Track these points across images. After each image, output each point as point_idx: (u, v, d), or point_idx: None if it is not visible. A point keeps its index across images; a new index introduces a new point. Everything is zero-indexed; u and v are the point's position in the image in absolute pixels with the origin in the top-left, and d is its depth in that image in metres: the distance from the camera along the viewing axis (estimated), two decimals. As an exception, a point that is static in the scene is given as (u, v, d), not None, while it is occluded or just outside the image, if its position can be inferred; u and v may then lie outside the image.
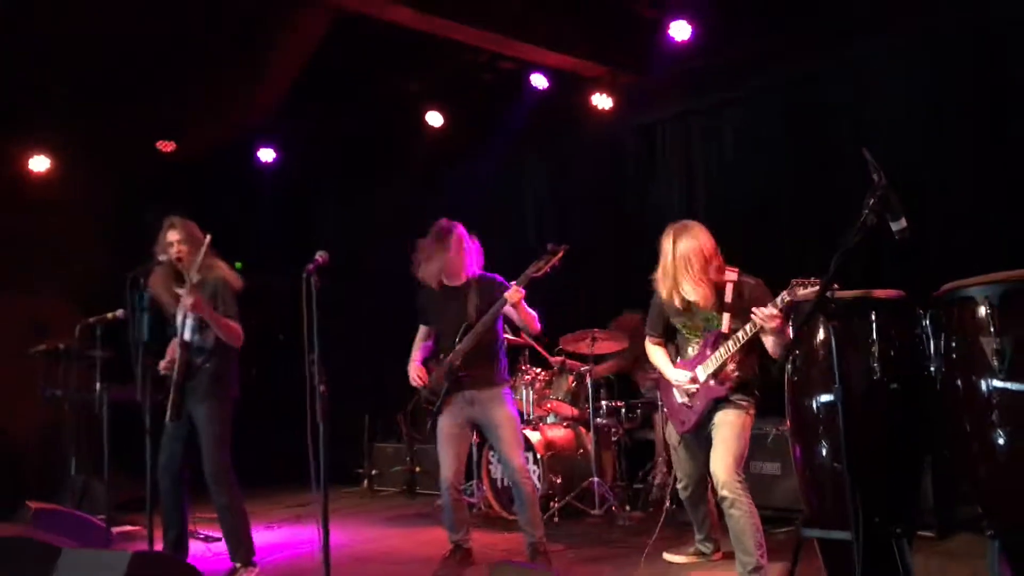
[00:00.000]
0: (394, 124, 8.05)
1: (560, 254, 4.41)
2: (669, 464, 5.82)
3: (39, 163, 7.63)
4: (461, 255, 4.51)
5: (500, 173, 8.20)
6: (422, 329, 4.78)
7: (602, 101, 6.93)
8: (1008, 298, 2.07)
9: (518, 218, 8.09)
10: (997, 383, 2.06)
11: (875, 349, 2.32)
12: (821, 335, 2.38)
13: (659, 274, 4.02)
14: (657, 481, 5.93)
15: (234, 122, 7.54)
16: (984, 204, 5.25)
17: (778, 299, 3.49)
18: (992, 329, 2.07)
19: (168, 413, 4.38)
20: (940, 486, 2.91)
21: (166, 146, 7.42)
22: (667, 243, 3.94)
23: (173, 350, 4.61)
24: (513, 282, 4.39)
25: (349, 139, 8.25)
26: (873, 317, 2.34)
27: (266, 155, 8.27)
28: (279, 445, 8.29)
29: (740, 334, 3.71)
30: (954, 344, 2.18)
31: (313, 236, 9.49)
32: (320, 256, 3.89)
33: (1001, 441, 2.07)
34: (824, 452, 2.38)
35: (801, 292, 3.39)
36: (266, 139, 8.17)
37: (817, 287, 3.32)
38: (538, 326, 4.57)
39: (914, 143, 5.58)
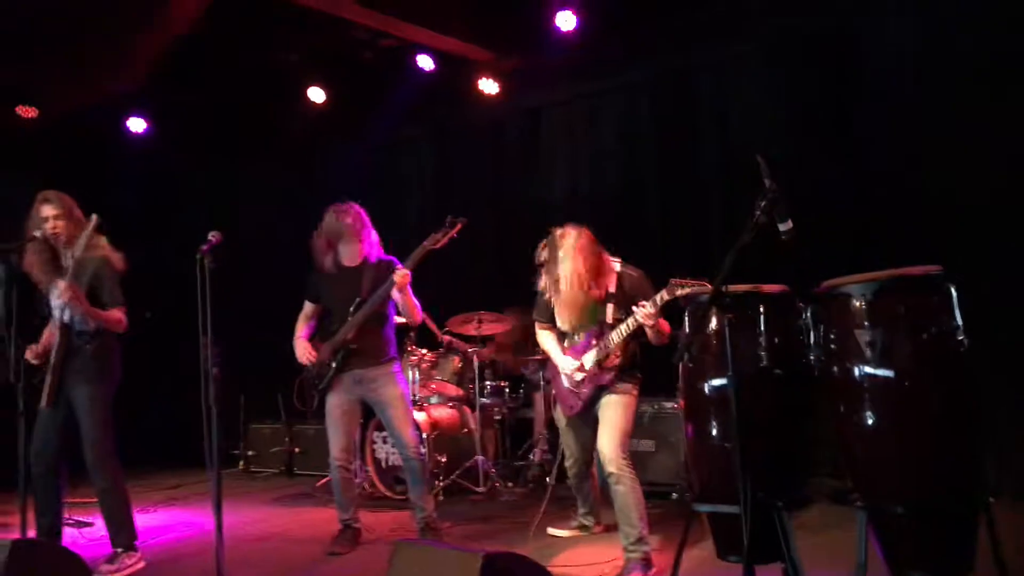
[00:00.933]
0: (273, 100, 7.85)
1: (458, 227, 4.46)
2: (549, 443, 6.06)
3: None
4: (361, 235, 4.52)
5: (381, 155, 8.18)
6: (307, 306, 4.75)
7: (488, 86, 7.02)
8: (880, 295, 2.31)
9: (398, 201, 8.09)
10: (868, 370, 2.30)
11: (762, 339, 2.53)
12: (714, 325, 2.57)
13: (546, 273, 4.13)
14: (537, 460, 6.14)
15: (100, 89, 7.17)
16: (844, 201, 5.68)
17: (657, 297, 3.73)
18: (866, 323, 2.31)
19: (44, 399, 4.20)
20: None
21: (27, 112, 6.98)
22: (558, 250, 4.00)
23: (48, 335, 4.42)
24: (400, 266, 4.42)
25: (224, 113, 7.98)
26: (761, 309, 2.55)
27: (136, 125, 7.89)
28: (147, 426, 8.10)
29: (623, 328, 3.92)
30: (832, 335, 2.41)
31: (181, 213, 9.18)
32: (213, 236, 3.83)
33: (870, 421, 2.32)
34: (715, 432, 2.58)
35: (679, 292, 3.63)
36: (136, 109, 7.79)
37: (692, 287, 3.55)
38: (419, 317, 4.65)
39: (777, 140, 5.97)
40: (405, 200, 8.07)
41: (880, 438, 2.30)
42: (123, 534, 4.31)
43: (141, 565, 4.30)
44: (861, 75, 5.75)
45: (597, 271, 3.96)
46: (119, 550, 4.27)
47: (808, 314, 2.51)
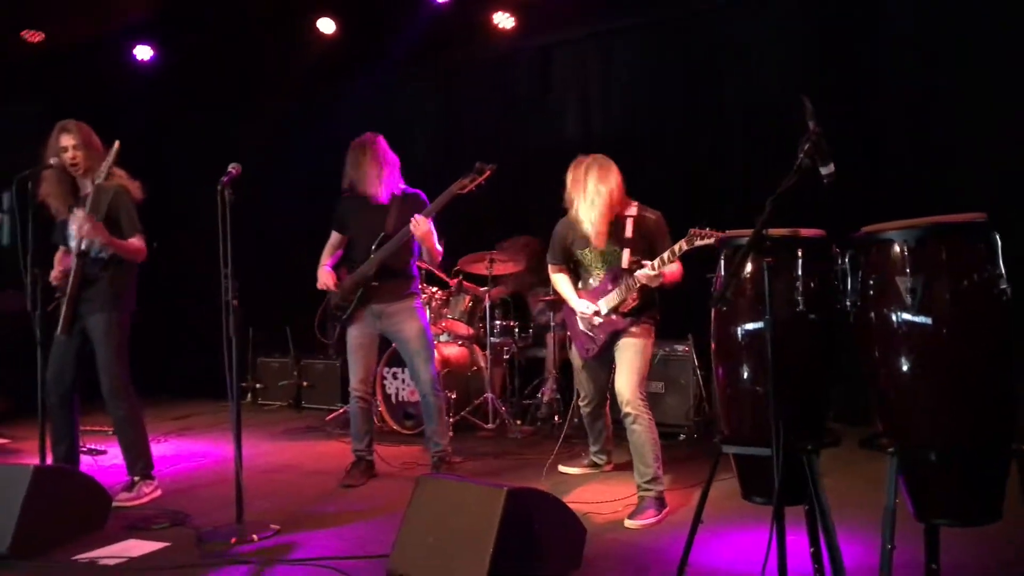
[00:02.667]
0: (282, 30, 7.68)
1: (487, 174, 4.41)
2: (558, 382, 6.10)
3: None
4: (382, 168, 4.48)
5: (391, 90, 8.04)
6: (334, 235, 4.73)
7: (504, 20, 6.87)
8: (923, 241, 2.29)
9: (407, 137, 7.99)
10: (907, 316, 2.29)
11: (799, 283, 2.51)
12: (750, 268, 2.55)
13: (570, 202, 4.10)
14: (546, 399, 6.18)
15: (107, 15, 7.02)
16: (865, 144, 5.64)
17: (676, 247, 3.74)
18: (907, 269, 2.29)
19: (60, 326, 4.20)
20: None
21: (33, 36, 6.83)
22: (581, 176, 4.00)
23: (62, 260, 4.40)
24: (418, 215, 4.37)
25: (232, 42, 7.81)
26: (799, 254, 2.52)
27: (143, 53, 7.75)
28: (160, 358, 8.13)
29: (633, 281, 3.93)
30: (871, 281, 2.39)
31: (186, 143, 9.08)
32: (233, 168, 3.80)
33: (905, 368, 2.31)
34: (746, 376, 2.58)
35: (698, 242, 3.64)
36: (144, 36, 7.63)
37: (711, 238, 3.55)
38: (439, 259, 4.61)
39: (798, 81, 5.88)
40: (414, 137, 7.96)
41: (915, 385, 2.30)
42: (140, 463, 4.35)
43: (158, 493, 4.35)
44: (883, 11, 5.64)
45: (621, 204, 3.99)
46: (136, 478, 4.31)
47: (845, 259, 2.48)
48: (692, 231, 3.67)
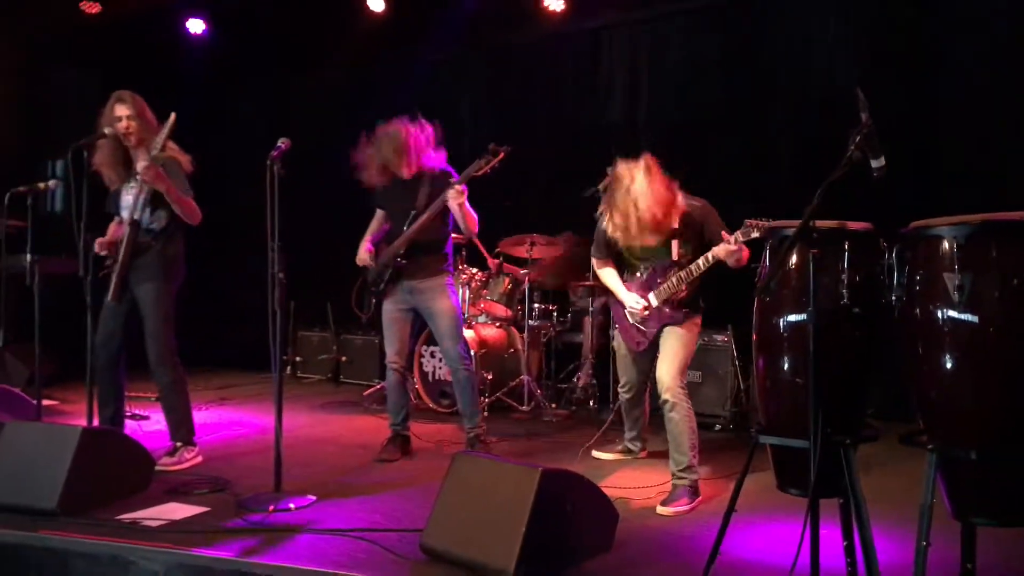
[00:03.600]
0: (334, 7, 7.73)
1: (501, 156, 4.41)
2: (594, 368, 6.11)
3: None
4: (408, 149, 4.52)
5: (438, 69, 8.07)
6: (378, 212, 4.84)
7: (554, 2, 6.85)
8: (972, 238, 2.26)
9: (453, 118, 8.01)
10: (952, 313, 2.26)
11: (844, 276, 2.49)
12: (795, 260, 2.54)
13: (609, 207, 3.93)
14: (581, 383, 6.20)
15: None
16: (918, 137, 5.55)
17: (732, 238, 3.64)
18: (955, 266, 2.27)
19: (110, 292, 4.31)
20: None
21: (91, 7, 6.96)
22: (628, 182, 3.80)
23: (113, 229, 4.50)
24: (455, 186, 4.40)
25: (284, 18, 7.89)
26: (846, 246, 2.51)
27: (195, 26, 7.85)
28: (205, 328, 8.27)
29: (694, 267, 3.86)
30: (918, 277, 2.37)
31: (236, 117, 9.19)
32: (283, 143, 3.85)
33: (949, 365, 2.29)
34: (786, 367, 2.57)
35: (754, 234, 3.55)
36: (196, 10, 7.74)
37: (766, 228, 3.46)
38: (476, 228, 4.61)
39: (850, 74, 5.79)
40: (459, 117, 7.99)
41: (958, 382, 2.28)
42: (183, 429, 4.45)
43: (199, 460, 4.45)
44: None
45: (668, 206, 3.81)
46: (179, 444, 4.42)
47: (892, 254, 2.46)
48: (748, 222, 3.55)
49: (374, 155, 4.61)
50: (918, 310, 2.36)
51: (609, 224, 3.94)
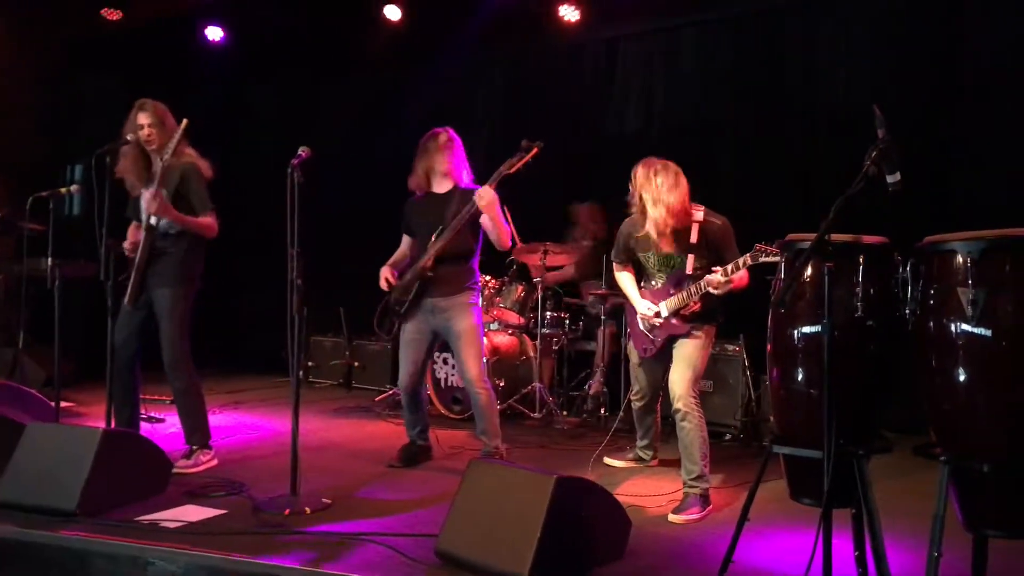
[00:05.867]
0: (349, 17, 7.80)
1: (535, 151, 4.36)
2: (606, 376, 6.14)
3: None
4: (451, 159, 4.51)
5: (454, 81, 8.12)
6: (405, 239, 4.77)
7: (569, 13, 6.91)
8: (986, 253, 2.29)
9: (469, 129, 8.05)
10: (966, 327, 2.29)
11: (859, 289, 2.52)
12: (811, 272, 2.57)
13: (635, 203, 4.11)
14: (592, 391, 6.23)
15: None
16: (935, 153, 5.57)
17: (740, 260, 3.75)
18: (969, 280, 2.29)
19: (128, 296, 4.35)
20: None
21: (112, 14, 7.05)
22: (651, 180, 3.97)
23: (134, 232, 4.56)
24: (481, 188, 4.36)
25: (300, 27, 7.96)
26: (861, 260, 2.54)
27: (213, 33, 7.94)
28: (219, 332, 8.33)
29: (698, 286, 3.94)
30: (932, 291, 2.40)
31: (251, 124, 9.27)
32: (303, 151, 3.90)
33: (962, 378, 2.32)
34: (800, 378, 2.60)
35: (763, 259, 3.65)
36: (215, 18, 7.83)
37: (774, 255, 3.52)
38: (508, 241, 4.57)
39: (865, 88, 5.81)
40: (477, 129, 8.04)
41: (971, 396, 2.31)
42: (198, 433, 4.50)
43: (215, 463, 4.49)
44: (965, 18, 5.54)
45: (686, 214, 3.95)
46: (194, 447, 4.46)
47: (907, 268, 2.49)
48: (757, 247, 3.68)
49: (417, 162, 4.58)
50: (932, 324, 2.39)
51: (641, 220, 4.06)
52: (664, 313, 4.08)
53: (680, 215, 3.94)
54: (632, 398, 4.53)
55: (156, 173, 4.31)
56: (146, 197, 4.25)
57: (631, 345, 4.41)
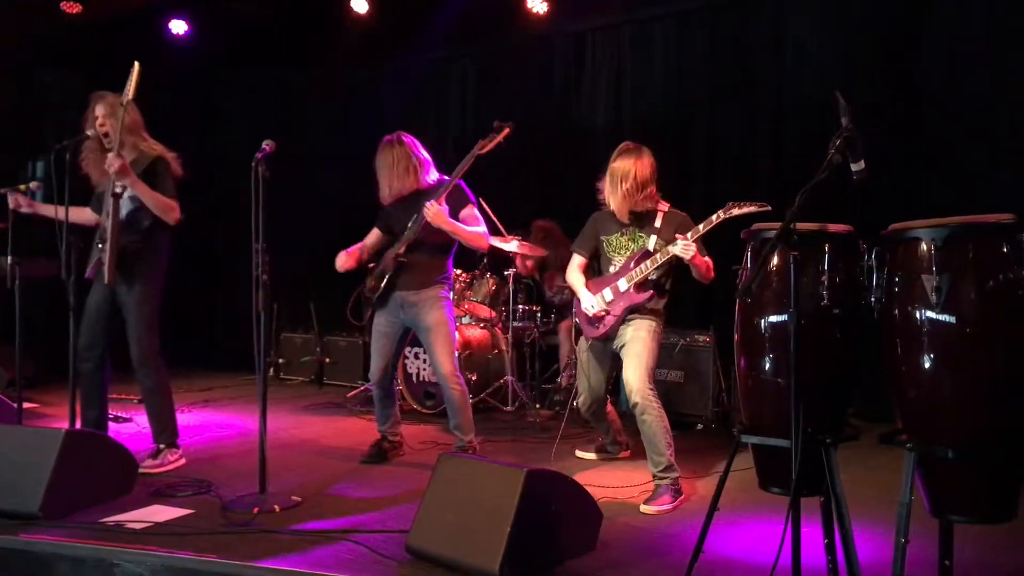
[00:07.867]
0: (316, 10, 7.72)
1: (506, 131, 4.36)
2: (576, 368, 6.12)
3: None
4: (408, 168, 4.44)
5: (423, 74, 8.08)
6: (374, 231, 4.71)
7: (537, 5, 6.88)
8: (950, 240, 2.30)
9: (439, 122, 8.03)
10: (931, 314, 2.30)
11: (825, 278, 2.53)
12: (777, 261, 2.57)
13: (604, 184, 4.19)
14: (564, 384, 6.22)
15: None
16: (901, 139, 5.62)
17: (713, 216, 3.77)
18: (934, 268, 2.30)
19: (105, 276, 4.16)
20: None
21: (71, 7, 6.91)
22: (621, 153, 4.10)
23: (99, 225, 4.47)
24: (429, 202, 4.30)
25: (266, 20, 7.87)
26: (827, 249, 2.55)
27: (177, 27, 7.82)
28: (187, 329, 8.23)
29: (659, 256, 3.98)
30: (897, 278, 2.41)
31: (219, 120, 9.17)
32: (267, 145, 3.84)
33: (927, 365, 2.33)
34: (768, 367, 2.60)
35: (735, 212, 3.68)
36: (179, 11, 7.71)
37: (750, 208, 3.62)
38: (482, 243, 4.54)
39: (835, 77, 5.84)
40: (446, 121, 8.01)
41: (936, 383, 2.32)
42: (166, 432, 4.44)
43: (182, 462, 4.44)
44: (931, 7, 5.60)
45: (652, 179, 4.07)
46: (162, 446, 4.40)
47: (872, 256, 2.50)
48: (730, 204, 3.72)
49: (379, 177, 4.52)
50: (897, 311, 2.40)
51: (607, 191, 4.14)
52: (623, 288, 4.09)
53: (644, 182, 4.02)
54: (580, 407, 4.45)
55: (114, 140, 4.19)
56: (109, 159, 4.11)
57: (580, 342, 4.39)
